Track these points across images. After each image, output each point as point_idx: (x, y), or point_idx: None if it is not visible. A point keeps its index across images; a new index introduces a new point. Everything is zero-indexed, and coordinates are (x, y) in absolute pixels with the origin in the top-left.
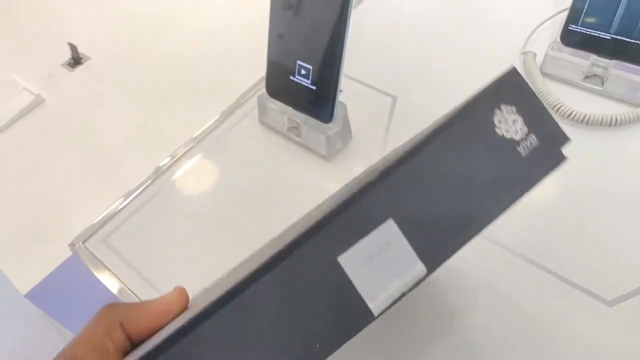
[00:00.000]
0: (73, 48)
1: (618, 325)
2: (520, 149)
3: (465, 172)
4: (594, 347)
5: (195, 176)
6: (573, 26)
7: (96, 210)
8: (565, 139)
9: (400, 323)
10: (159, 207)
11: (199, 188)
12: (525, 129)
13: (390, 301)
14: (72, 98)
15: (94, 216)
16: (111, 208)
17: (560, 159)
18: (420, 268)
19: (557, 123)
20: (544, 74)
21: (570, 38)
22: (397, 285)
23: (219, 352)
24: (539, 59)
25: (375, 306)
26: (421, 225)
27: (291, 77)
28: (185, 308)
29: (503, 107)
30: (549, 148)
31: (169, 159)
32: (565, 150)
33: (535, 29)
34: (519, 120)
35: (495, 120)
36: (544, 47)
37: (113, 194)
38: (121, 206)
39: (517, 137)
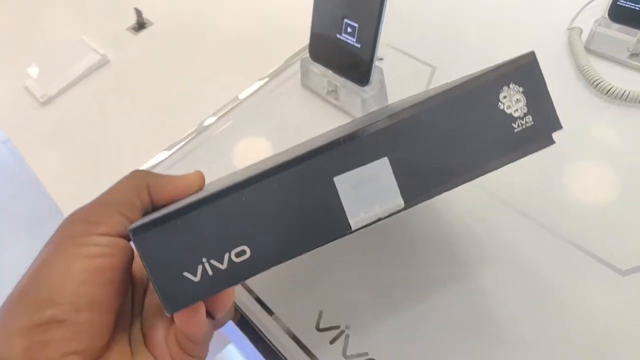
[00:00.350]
0: (138, 13)
1: (630, 295)
2: (515, 125)
3: (461, 131)
4: (605, 315)
5: (236, 133)
6: (622, 1)
7: (146, 161)
8: (558, 126)
9: (418, 265)
10: (198, 159)
11: (239, 144)
12: (525, 109)
13: (367, 222)
14: (135, 60)
15: (143, 166)
16: (155, 158)
17: (548, 142)
18: (399, 202)
19: (555, 110)
20: (589, 51)
21: (617, 13)
22: (376, 211)
23: (215, 232)
24: (585, 36)
25: (354, 222)
26: (410, 168)
27: (337, 35)
28: (200, 188)
29: (512, 85)
30: (541, 131)
31: (213, 117)
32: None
33: (585, 5)
34: (522, 101)
35: (501, 96)
36: (591, 23)
37: (162, 147)
38: (164, 157)
39: (516, 115)
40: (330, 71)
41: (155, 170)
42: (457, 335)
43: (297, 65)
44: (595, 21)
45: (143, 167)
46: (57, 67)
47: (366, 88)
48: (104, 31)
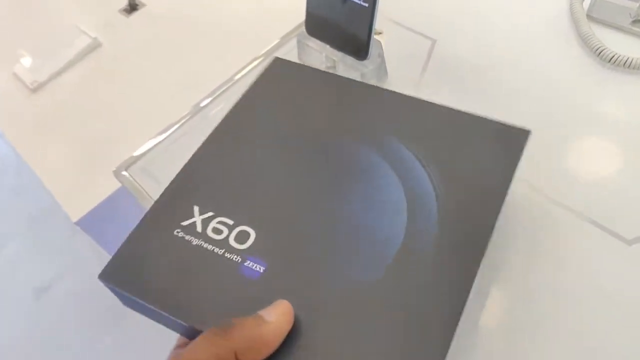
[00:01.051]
0: None
1: (636, 264)
2: None
3: None
4: (610, 284)
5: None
6: None
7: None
8: None
9: None
10: (194, 142)
11: None
12: None
13: None
14: (127, 43)
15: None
16: (148, 143)
17: None
18: None
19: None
20: (590, 18)
21: None
22: None
23: None
24: (586, 3)
25: None
26: None
27: None
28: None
29: None
30: None
31: (208, 98)
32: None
33: None
34: None
35: None
36: None
37: (158, 130)
38: (161, 138)
39: None
40: (327, 46)
41: (149, 156)
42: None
43: (293, 42)
44: None
45: (137, 153)
46: (47, 52)
47: (365, 62)
48: (96, 14)
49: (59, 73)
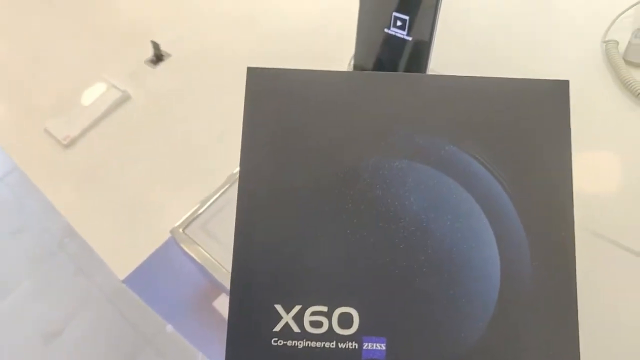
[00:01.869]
0: (155, 46)
1: None
2: None
3: None
4: (619, 295)
5: None
6: None
7: (186, 200)
8: None
9: None
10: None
11: None
12: None
13: None
14: (156, 94)
15: (185, 205)
16: (207, 197)
17: None
18: None
19: None
20: (627, 62)
21: None
22: None
23: None
24: (621, 47)
25: None
26: None
27: (386, 30)
28: None
29: None
30: None
31: None
32: None
33: (617, 17)
34: None
35: None
36: (625, 35)
37: (201, 185)
38: (216, 196)
39: None
40: None
41: (209, 211)
42: None
43: None
44: (633, 32)
45: (177, 224)
46: (77, 107)
47: None
48: (121, 66)
49: (90, 127)
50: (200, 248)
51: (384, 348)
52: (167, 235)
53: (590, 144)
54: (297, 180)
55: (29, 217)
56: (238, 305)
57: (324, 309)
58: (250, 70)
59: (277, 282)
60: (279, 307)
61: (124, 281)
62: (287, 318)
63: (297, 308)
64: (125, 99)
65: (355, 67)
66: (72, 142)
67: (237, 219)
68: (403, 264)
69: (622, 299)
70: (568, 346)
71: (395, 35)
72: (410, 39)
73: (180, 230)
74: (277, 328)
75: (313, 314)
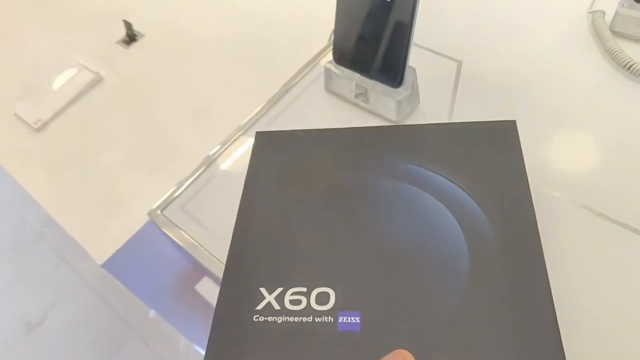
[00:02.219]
0: (128, 25)
1: None
2: None
3: None
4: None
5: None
6: None
7: (163, 182)
8: None
9: None
10: (231, 172)
11: None
12: None
13: None
14: (130, 75)
15: (162, 188)
16: (184, 179)
17: None
18: None
19: None
20: (614, 33)
21: None
22: None
23: None
24: (608, 18)
25: None
26: None
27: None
28: None
29: None
30: None
31: (234, 130)
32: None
33: None
34: None
35: None
36: (611, 5)
37: (177, 168)
38: (193, 177)
39: None
40: (357, 74)
41: (187, 192)
42: None
43: (316, 70)
44: (619, 2)
45: (155, 206)
46: (48, 90)
47: (399, 89)
48: (92, 46)
49: (62, 110)
50: (180, 230)
51: (358, 321)
52: (146, 219)
53: (577, 116)
54: (291, 193)
55: (6, 208)
56: (228, 289)
57: (304, 289)
58: (258, 135)
59: (265, 269)
60: (263, 290)
61: (102, 266)
62: (270, 298)
63: (279, 290)
64: (97, 80)
65: (335, 42)
66: (43, 126)
67: (237, 219)
68: (379, 251)
69: (612, 271)
70: (540, 292)
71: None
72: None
73: (159, 212)
74: (260, 307)
75: (293, 294)
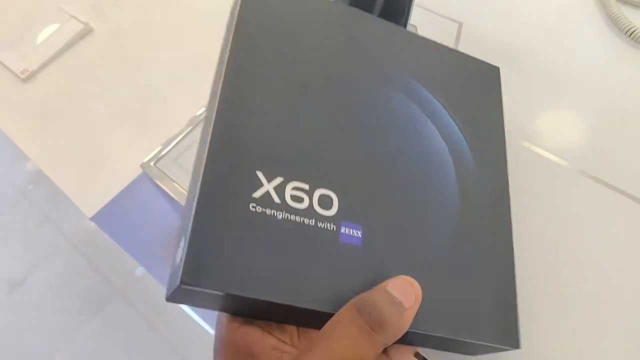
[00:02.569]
0: None
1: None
2: None
3: None
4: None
5: None
6: None
7: (155, 137)
8: None
9: None
10: None
11: None
12: None
13: None
14: (120, 28)
15: (154, 142)
16: (178, 132)
17: None
18: None
19: None
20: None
21: None
22: None
23: None
24: None
25: None
26: None
27: None
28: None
29: None
30: None
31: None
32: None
33: None
34: None
35: None
36: None
37: (169, 122)
38: (187, 130)
39: None
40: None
41: (181, 145)
42: None
43: None
44: None
45: (148, 158)
46: (35, 39)
47: None
48: None
49: (50, 61)
50: (173, 182)
51: (360, 235)
52: (136, 173)
53: (575, 81)
54: (289, 69)
55: None
56: (215, 166)
57: (305, 186)
58: None
59: (261, 149)
60: (260, 174)
61: (92, 219)
62: (268, 187)
63: (279, 179)
64: (87, 31)
65: None
66: (31, 76)
67: (223, 85)
68: (377, 160)
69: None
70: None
71: None
72: None
73: (152, 163)
74: (257, 195)
75: (295, 189)
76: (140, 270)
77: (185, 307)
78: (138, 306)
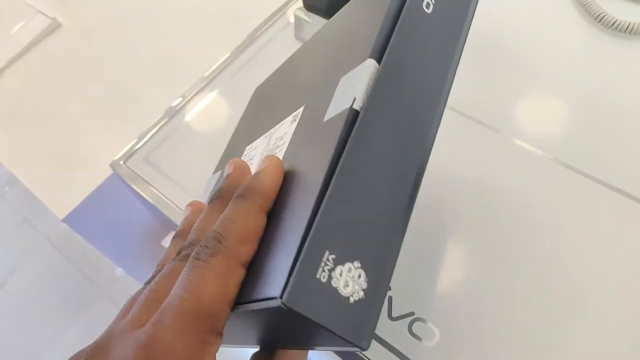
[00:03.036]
0: None
1: None
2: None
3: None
4: (628, 247)
5: (228, 97)
6: None
7: (124, 135)
8: None
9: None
10: (195, 124)
11: (232, 106)
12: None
13: None
14: (87, 22)
15: (124, 140)
16: (146, 130)
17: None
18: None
19: None
20: None
21: None
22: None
23: None
24: None
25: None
26: None
27: None
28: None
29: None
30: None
31: (197, 81)
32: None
33: None
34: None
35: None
36: None
37: (138, 119)
38: (156, 129)
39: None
40: None
41: (151, 143)
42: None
43: (284, 20)
44: None
45: (117, 157)
46: (2, 35)
47: None
48: None
49: (17, 57)
50: (144, 182)
51: None
52: (108, 172)
53: (545, 67)
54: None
55: None
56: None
57: None
58: None
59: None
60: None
61: (64, 220)
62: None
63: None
64: (54, 27)
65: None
66: None
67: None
68: None
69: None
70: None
71: None
72: None
73: (122, 162)
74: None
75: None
76: (120, 271)
77: None
78: (122, 305)
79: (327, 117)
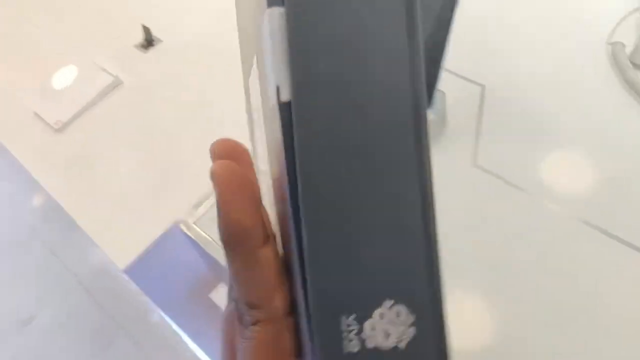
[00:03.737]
0: (146, 30)
1: None
2: None
3: None
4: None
5: None
6: None
7: (184, 190)
8: None
9: None
10: None
11: None
12: None
13: None
14: (148, 80)
15: (183, 196)
16: (207, 192)
17: None
18: None
19: None
20: (635, 65)
21: None
22: None
23: None
24: (628, 50)
25: None
26: None
27: None
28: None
29: None
30: None
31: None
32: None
33: (623, 19)
34: None
35: None
36: (631, 37)
37: (199, 175)
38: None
39: None
40: None
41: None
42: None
43: None
44: (639, 35)
45: (184, 213)
46: (67, 91)
47: (428, 111)
48: (111, 51)
49: (81, 112)
50: (205, 235)
51: None
52: (168, 224)
53: (596, 146)
54: None
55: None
56: None
57: None
58: None
59: None
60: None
61: (124, 271)
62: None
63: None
64: (117, 84)
65: None
66: (63, 127)
67: None
68: None
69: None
70: None
71: None
72: None
73: (191, 222)
74: None
75: None
76: (157, 316)
77: (193, 347)
78: (144, 345)
79: (271, 101)
